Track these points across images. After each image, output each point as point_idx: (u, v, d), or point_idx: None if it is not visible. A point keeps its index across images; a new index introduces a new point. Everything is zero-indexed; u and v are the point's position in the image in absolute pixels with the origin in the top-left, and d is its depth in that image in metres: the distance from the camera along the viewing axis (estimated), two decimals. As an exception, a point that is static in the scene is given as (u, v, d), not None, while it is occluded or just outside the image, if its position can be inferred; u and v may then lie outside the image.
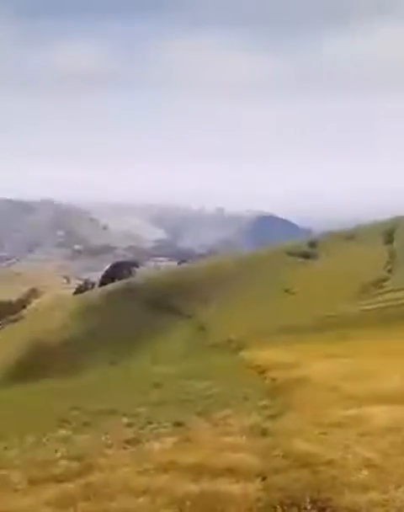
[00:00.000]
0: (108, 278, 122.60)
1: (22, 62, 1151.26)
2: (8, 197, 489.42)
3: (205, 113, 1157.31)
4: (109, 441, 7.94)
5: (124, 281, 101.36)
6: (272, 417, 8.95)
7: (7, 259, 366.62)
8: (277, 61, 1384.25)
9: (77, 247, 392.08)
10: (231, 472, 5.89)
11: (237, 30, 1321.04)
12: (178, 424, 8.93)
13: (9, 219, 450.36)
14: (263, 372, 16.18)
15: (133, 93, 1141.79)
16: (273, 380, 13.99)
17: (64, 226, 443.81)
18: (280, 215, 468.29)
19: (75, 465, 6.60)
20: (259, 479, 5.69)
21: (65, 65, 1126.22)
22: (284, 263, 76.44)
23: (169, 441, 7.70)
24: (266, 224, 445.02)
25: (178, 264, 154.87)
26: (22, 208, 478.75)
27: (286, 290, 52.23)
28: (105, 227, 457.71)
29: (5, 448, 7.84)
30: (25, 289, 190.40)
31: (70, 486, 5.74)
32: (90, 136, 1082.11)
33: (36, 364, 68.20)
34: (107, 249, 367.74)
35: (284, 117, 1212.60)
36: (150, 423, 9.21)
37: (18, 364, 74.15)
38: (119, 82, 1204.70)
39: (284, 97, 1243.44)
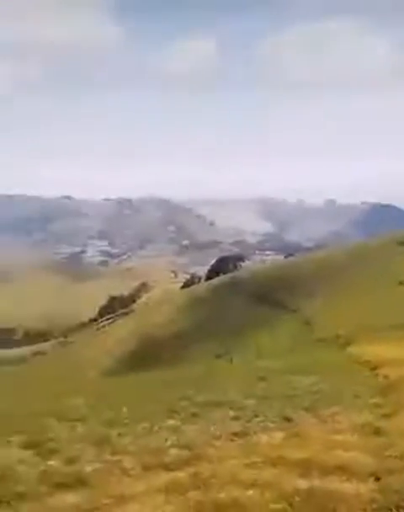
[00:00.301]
0: (214, 272, 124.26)
1: (131, 62, 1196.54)
2: (119, 196, 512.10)
3: (311, 109, 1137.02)
4: (217, 433, 8.03)
5: (229, 275, 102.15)
6: (385, 416, 8.57)
7: (119, 256, 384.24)
8: (379, 53, 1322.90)
9: (184, 242, 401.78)
10: (343, 470, 5.70)
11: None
12: (286, 419, 8.82)
13: (120, 218, 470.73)
14: (373, 369, 15.57)
15: (238, 91, 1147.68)
16: (385, 377, 13.41)
17: (174, 223, 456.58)
18: (396, 204, 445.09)
19: (185, 454, 6.74)
20: (373, 479, 5.46)
21: (173, 64, 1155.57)
22: (396, 253, 72.80)
23: (277, 436, 7.63)
24: (380, 214, 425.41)
25: (285, 257, 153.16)
26: (132, 207, 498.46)
27: (401, 283, 49.28)
28: (212, 223, 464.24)
29: (119, 434, 8.18)
30: (136, 284, 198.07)
31: (180, 474, 5.87)
32: (198, 133, 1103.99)
33: (146, 355, 70.79)
34: (213, 244, 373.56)
35: (390, 108, 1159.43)
36: (256, 416, 9.19)
37: (130, 355, 77.45)
38: (224, 80, 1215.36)
39: (390, 89, 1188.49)
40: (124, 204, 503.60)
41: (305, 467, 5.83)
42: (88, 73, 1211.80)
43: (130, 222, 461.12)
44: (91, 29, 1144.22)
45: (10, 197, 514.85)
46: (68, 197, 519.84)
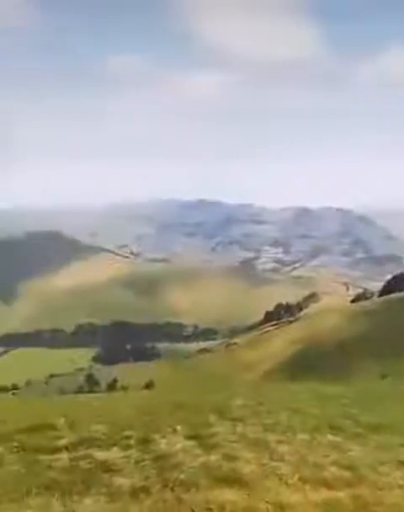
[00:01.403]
0: (389, 288, 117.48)
1: (345, 67, 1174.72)
2: (297, 205, 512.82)
3: None
4: (382, 458, 7.57)
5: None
6: None
7: (292, 264, 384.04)
8: None
9: (360, 255, 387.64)
10: None
11: None
12: None
13: (297, 226, 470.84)
14: None
15: None
16: None
17: (351, 234, 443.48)
18: None
19: (346, 474, 6.47)
20: None
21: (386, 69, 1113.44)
22: None
23: None
24: None
25: None
26: (310, 216, 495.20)
27: None
28: (392, 236, 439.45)
29: (278, 441, 8.14)
30: (305, 293, 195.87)
31: (339, 494, 5.67)
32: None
33: (307, 364, 69.79)
34: (392, 259, 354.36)
35: None
36: (429, 448, 8.46)
37: (291, 361, 77.02)
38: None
39: None
40: (303, 213, 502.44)
41: None
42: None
43: (306, 231, 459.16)
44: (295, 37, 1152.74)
45: (201, 201, 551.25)
46: (249, 204, 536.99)
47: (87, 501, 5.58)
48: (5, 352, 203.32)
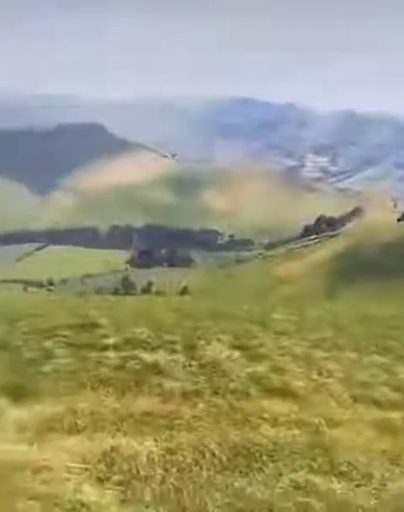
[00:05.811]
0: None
1: None
2: (346, 109, 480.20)
3: None
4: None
5: None
6: None
7: (338, 175, 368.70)
8: None
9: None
10: None
11: None
12: None
13: (345, 134, 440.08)
14: None
15: None
16: None
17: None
18: None
19: (396, 395, 6.39)
20: None
21: None
22: None
23: None
24: None
25: None
26: (360, 122, 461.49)
27: None
28: None
29: (325, 359, 8.06)
30: (349, 207, 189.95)
31: (391, 415, 5.60)
32: None
33: (348, 281, 69.60)
34: None
35: None
36: None
37: (330, 278, 77.06)
38: None
39: None
40: (351, 118, 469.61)
41: None
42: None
43: (355, 139, 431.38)
44: None
45: (238, 99, 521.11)
46: (292, 104, 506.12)
47: (141, 400, 5.68)
48: (41, 248, 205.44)
